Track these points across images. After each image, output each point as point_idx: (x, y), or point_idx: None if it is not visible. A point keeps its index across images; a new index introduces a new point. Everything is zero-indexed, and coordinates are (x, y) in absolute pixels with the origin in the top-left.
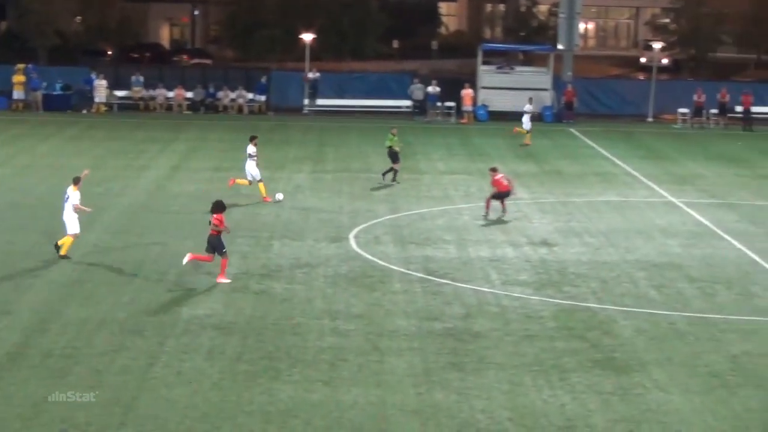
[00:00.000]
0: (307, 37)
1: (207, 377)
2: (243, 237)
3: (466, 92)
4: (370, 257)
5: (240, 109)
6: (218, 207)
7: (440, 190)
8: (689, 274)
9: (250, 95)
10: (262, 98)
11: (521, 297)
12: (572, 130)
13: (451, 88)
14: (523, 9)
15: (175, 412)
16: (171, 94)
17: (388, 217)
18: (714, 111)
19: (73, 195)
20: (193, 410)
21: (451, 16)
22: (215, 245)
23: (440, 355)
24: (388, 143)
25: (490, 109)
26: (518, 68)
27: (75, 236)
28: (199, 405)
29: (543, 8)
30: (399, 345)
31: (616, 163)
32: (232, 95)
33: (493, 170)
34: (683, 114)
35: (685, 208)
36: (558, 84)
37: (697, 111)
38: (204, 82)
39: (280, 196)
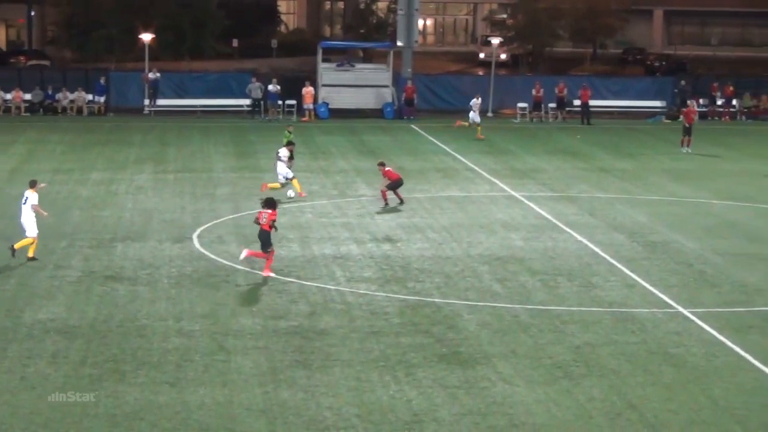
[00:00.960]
0: (146, 37)
1: (51, 382)
2: (84, 239)
3: (307, 90)
4: (214, 257)
5: (80, 111)
6: (272, 203)
7: (282, 189)
8: (531, 267)
9: (90, 96)
10: (102, 99)
11: (366, 294)
12: (413, 126)
13: (292, 87)
14: (362, 6)
15: (19, 417)
16: (8, 96)
17: (230, 216)
18: (552, 105)
19: (32, 197)
20: (38, 416)
21: (290, 14)
22: (264, 240)
23: (286, 353)
24: (285, 141)
25: (331, 106)
26: (358, 65)
27: (35, 238)
28: (43, 410)
29: (382, 5)
30: (245, 344)
31: (457, 159)
32: (71, 96)
33: (381, 164)
34: (522, 109)
35: (527, 201)
36: (398, 80)
37: (536, 105)
38: (42, 83)
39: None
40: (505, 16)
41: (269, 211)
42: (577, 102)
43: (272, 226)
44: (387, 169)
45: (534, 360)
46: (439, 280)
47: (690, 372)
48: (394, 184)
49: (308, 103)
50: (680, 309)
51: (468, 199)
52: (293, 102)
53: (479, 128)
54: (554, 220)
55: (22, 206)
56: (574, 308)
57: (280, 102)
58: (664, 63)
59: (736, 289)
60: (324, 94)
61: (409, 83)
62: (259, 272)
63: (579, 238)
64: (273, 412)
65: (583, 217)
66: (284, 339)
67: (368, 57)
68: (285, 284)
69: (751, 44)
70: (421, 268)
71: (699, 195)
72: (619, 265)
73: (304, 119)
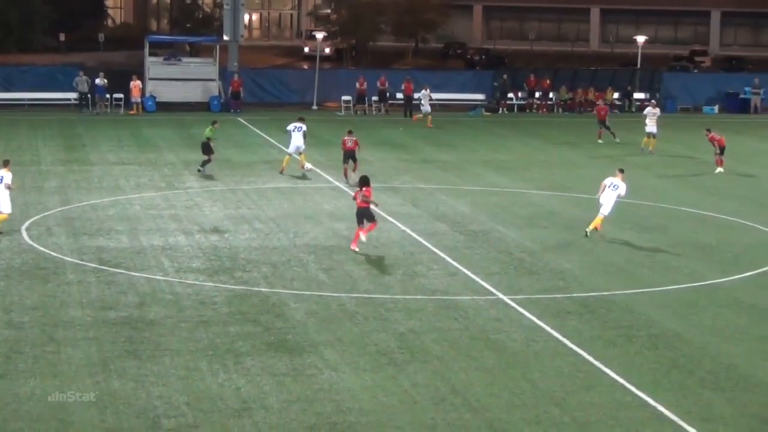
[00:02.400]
0: None
1: None
2: None
3: (134, 84)
4: (42, 249)
5: None
6: (367, 181)
7: (111, 181)
8: (356, 257)
9: None
10: None
11: (195, 284)
12: (240, 119)
13: (120, 80)
14: (188, 1)
15: None
16: None
17: (59, 209)
18: (375, 98)
19: (6, 176)
20: None
21: (117, 8)
22: (367, 215)
23: (116, 343)
24: (208, 134)
25: (158, 99)
26: (185, 59)
27: (8, 215)
28: None
29: (208, 0)
30: (75, 335)
31: (283, 151)
32: None
33: (350, 132)
34: (346, 101)
35: (351, 193)
36: (224, 74)
37: (360, 98)
38: None
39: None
40: (328, 11)
41: (364, 188)
42: (400, 95)
43: (369, 202)
44: (345, 138)
45: (360, 347)
46: (267, 270)
47: (511, 357)
48: (347, 155)
49: (136, 97)
50: (501, 296)
51: (294, 190)
52: (121, 95)
53: (429, 118)
54: (379, 211)
55: None
56: (399, 296)
57: (107, 95)
58: (483, 57)
59: (554, 276)
60: (151, 87)
61: (236, 77)
62: (89, 264)
63: (402, 227)
64: (104, 401)
65: (407, 207)
66: (114, 330)
67: (195, 51)
68: (114, 275)
69: (567, 39)
70: (249, 259)
71: (518, 185)
72: (441, 254)
73: (131, 112)
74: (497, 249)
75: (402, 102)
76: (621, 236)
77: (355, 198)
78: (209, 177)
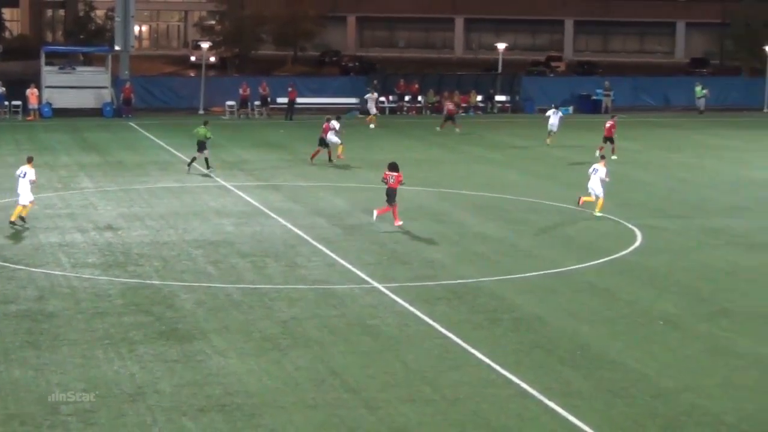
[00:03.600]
0: None
1: None
2: None
3: (32, 91)
4: None
5: None
6: (396, 166)
7: (9, 183)
8: (241, 250)
9: None
10: None
11: (90, 278)
12: (131, 123)
13: (18, 88)
14: (81, 14)
15: None
16: None
17: None
18: (257, 103)
19: (30, 172)
20: None
21: (14, 21)
22: (391, 196)
23: (17, 335)
24: (205, 134)
25: (54, 106)
26: (79, 68)
27: (32, 203)
28: None
29: (100, 13)
30: None
31: (172, 153)
32: None
33: (327, 120)
34: (231, 106)
35: (236, 191)
36: (116, 82)
37: (243, 103)
38: None
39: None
40: (213, 22)
41: (395, 173)
42: (283, 99)
43: (401, 183)
44: (325, 125)
45: (245, 334)
46: (158, 264)
47: (385, 341)
48: (322, 140)
49: (33, 104)
50: (376, 284)
51: (183, 189)
52: (19, 102)
53: (374, 118)
54: (261, 207)
55: (20, 179)
56: (281, 286)
57: (6, 102)
58: (357, 64)
59: (425, 265)
60: (47, 95)
61: (127, 84)
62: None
63: (284, 222)
64: (5, 390)
65: (288, 203)
66: (14, 322)
67: (88, 60)
68: (14, 271)
69: (434, 47)
70: (141, 253)
71: None
72: (320, 246)
73: (29, 118)
74: (372, 241)
75: (284, 106)
76: (486, 228)
77: (385, 179)
78: (91, 177)
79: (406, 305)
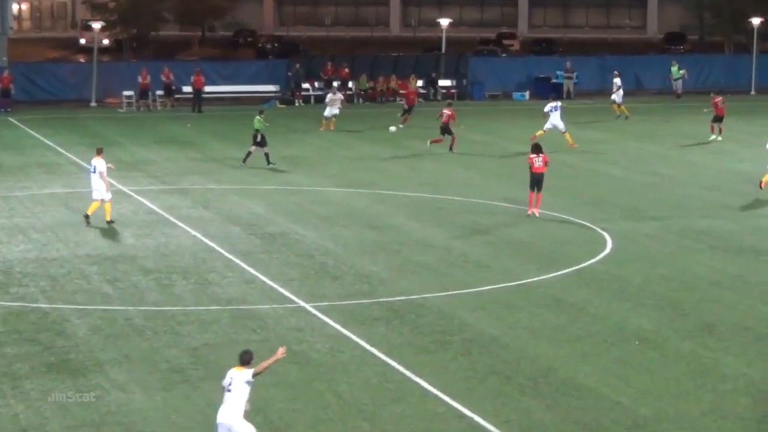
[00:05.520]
0: None
1: None
2: None
3: None
4: None
5: None
6: (540, 148)
7: None
8: (144, 266)
9: None
10: None
11: None
12: (11, 119)
13: None
14: None
15: None
16: None
17: None
18: (160, 92)
19: (99, 163)
20: None
21: None
22: (541, 182)
23: None
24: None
25: None
26: None
27: (109, 200)
28: None
29: None
30: None
31: (60, 153)
32: None
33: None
34: (128, 97)
35: (136, 196)
36: None
37: (143, 93)
38: None
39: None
40: None
41: (541, 154)
42: (188, 88)
43: (547, 164)
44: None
45: (150, 364)
46: (45, 284)
47: (315, 369)
48: None
49: None
50: (302, 303)
51: (73, 195)
52: None
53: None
54: (166, 215)
55: (92, 174)
56: (191, 308)
57: None
58: (276, 45)
59: (359, 279)
60: None
61: (5, 73)
62: None
63: (193, 232)
64: None
65: (197, 210)
66: None
67: None
68: None
69: (366, 24)
70: (25, 272)
71: (317, 183)
72: (236, 260)
73: None
74: (296, 252)
75: (191, 96)
76: (430, 235)
77: (531, 163)
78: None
79: (339, 327)
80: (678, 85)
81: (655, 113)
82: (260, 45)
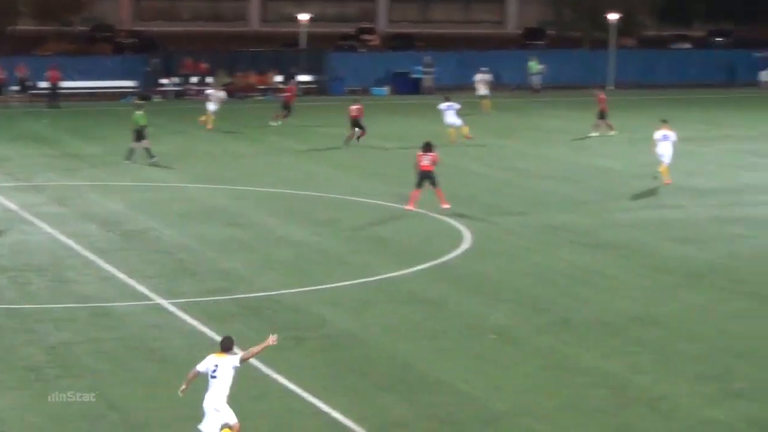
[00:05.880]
0: None
1: None
2: None
3: None
4: None
5: None
6: (432, 146)
7: None
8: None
9: None
10: None
11: None
12: None
13: None
14: None
15: None
16: None
17: None
18: (15, 88)
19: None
20: None
21: None
22: (431, 178)
23: None
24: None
25: None
26: None
27: None
28: None
29: None
30: None
31: None
32: None
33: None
34: None
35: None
36: None
37: None
38: None
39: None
40: None
41: (430, 153)
42: (45, 84)
43: (435, 163)
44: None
45: (5, 364)
46: None
47: (173, 367)
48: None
49: None
50: (159, 300)
51: None
52: None
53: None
54: (21, 212)
55: None
56: (47, 305)
57: None
58: (134, 40)
59: (217, 276)
60: None
61: None
62: None
63: (49, 230)
64: None
65: (53, 207)
66: None
67: None
68: None
69: (224, 19)
70: None
71: (175, 179)
72: (93, 257)
73: None
74: (154, 249)
75: (48, 92)
76: (290, 231)
77: (418, 161)
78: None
79: (196, 324)
80: (536, 80)
81: (514, 108)
82: (117, 40)
